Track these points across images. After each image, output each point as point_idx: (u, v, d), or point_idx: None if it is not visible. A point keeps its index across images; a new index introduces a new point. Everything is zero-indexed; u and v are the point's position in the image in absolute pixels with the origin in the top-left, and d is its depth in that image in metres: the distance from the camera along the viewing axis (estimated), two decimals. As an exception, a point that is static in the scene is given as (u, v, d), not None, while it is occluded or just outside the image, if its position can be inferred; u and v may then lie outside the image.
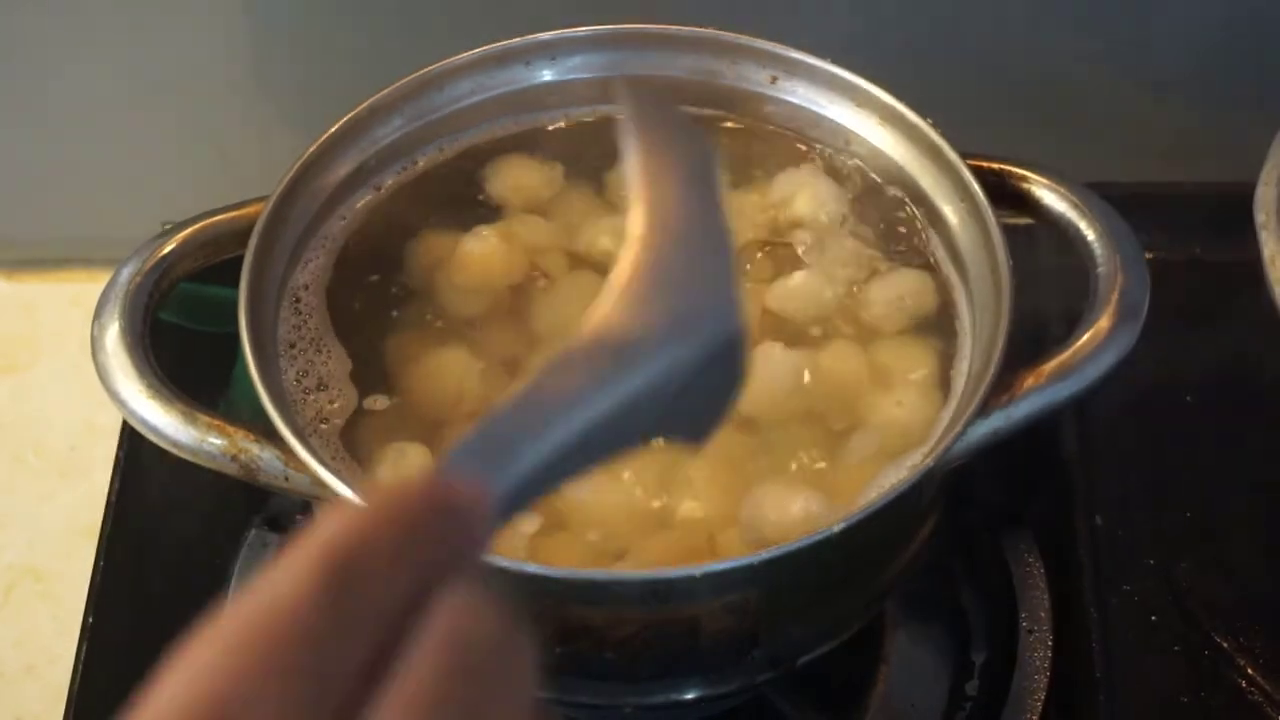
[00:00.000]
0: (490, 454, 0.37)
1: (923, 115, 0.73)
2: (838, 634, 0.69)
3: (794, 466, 0.67)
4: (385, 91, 0.75)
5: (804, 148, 0.77)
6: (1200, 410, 0.82)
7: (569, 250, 0.74)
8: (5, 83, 0.93)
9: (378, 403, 0.68)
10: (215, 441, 0.65)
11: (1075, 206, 0.71)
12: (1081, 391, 0.66)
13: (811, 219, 0.74)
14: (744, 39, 0.76)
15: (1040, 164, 0.73)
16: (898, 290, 0.71)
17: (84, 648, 0.75)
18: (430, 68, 0.76)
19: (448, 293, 0.72)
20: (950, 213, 0.72)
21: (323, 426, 0.67)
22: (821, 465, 0.67)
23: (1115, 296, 0.67)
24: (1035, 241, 0.80)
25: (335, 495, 0.61)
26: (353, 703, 0.29)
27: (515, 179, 0.76)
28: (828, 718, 0.75)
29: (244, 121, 0.94)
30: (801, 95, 0.76)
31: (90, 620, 0.76)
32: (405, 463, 0.65)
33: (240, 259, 0.68)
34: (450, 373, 0.69)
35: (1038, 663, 0.74)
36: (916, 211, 0.74)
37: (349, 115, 0.74)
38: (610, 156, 0.77)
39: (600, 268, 0.73)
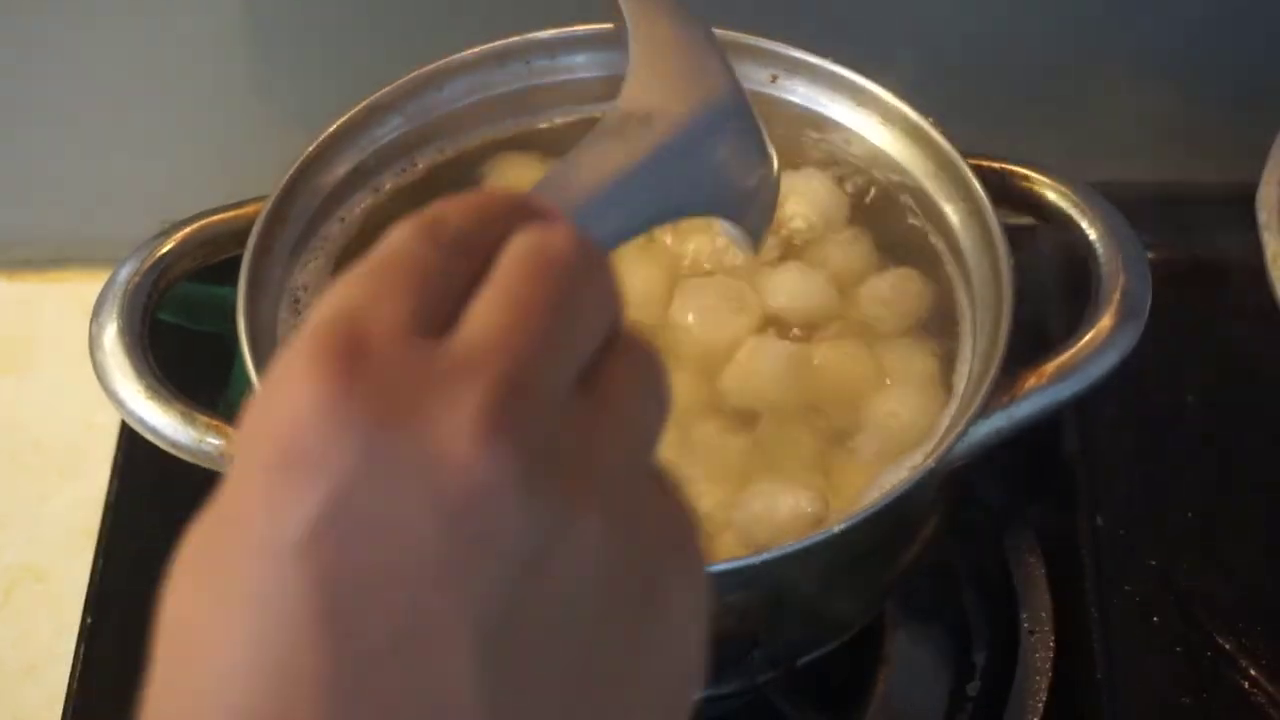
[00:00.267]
0: (554, 195, 0.42)
1: (924, 114, 0.73)
2: (838, 634, 0.69)
3: (794, 466, 0.66)
4: (384, 91, 0.75)
5: (804, 147, 0.76)
6: (1202, 410, 0.82)
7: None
8: (3, 82, 0.93)
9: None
10: (214, 442, 0.65)
11: (1077, 206, 0.71)
12: (1083, 391, 0.66)
13: (812, 218, 0.74)
14: (744, 37, 0.76)
15: (1042, 163, 0.73)
16: (899, 290, 0.71)
17: (82, 648, 0.75)
18: (429, 67, 0.75)
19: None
20: (951, 212, 0.72)
21: (322, 426, 0.67)
22: (822, 465, 0.67)
23: (1117, 296, 0.67)
24: (1037, 241, 0.80)
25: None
26: (457, 306, 0.34)
27: (515, 179, 0.76)
28: (828, 718, 0.75)
29: (243, 121, 0.94)
30: (802, 94, 0.76)
31: (89, 621, 0.75)
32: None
33: (239, 259, 0.68)
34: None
35: (1039, 663, 0.74)
36: (918, 211, 0.74)
37: (348, 115, 0.74)
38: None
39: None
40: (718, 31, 0.75)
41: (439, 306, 0.34)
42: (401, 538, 0.31)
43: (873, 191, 0.75)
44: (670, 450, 0.66)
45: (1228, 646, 0.75)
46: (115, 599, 0.76)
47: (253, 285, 0.67)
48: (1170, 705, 0.73)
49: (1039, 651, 0.75)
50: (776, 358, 0.69)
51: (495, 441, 0.32)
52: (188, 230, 0.71)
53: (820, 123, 0.76)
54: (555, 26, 0.77)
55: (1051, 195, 0.71)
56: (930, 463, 0.62)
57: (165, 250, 0.70)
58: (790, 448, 0.67)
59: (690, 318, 0.71)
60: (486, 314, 0.34)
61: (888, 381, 0.69)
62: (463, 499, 0.31)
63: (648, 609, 0.34)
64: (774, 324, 0.71)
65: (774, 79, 0.76)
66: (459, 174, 0.76)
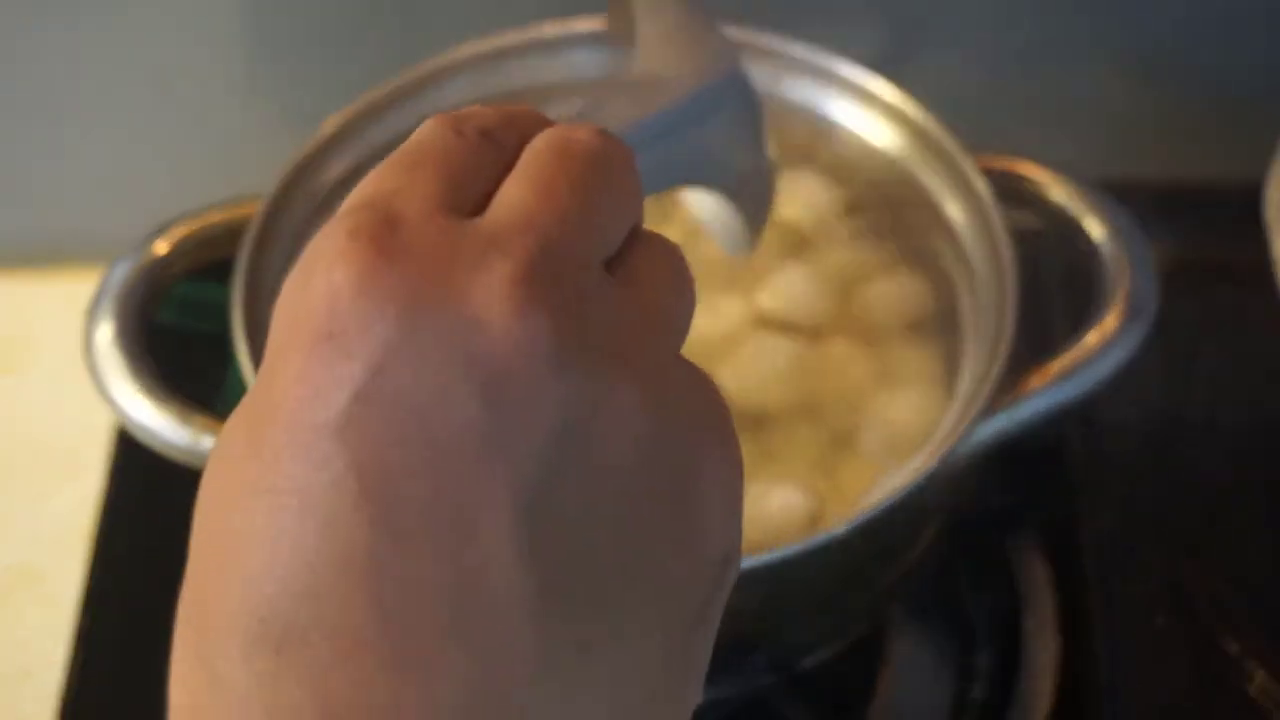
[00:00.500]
0: None
1: (926, 113, 0.73)
2: (841, 637, 0.69)
3: (797, 467, 0.66)
4: (382, 90, 0.75)
5: (805, 146, 0.76)
6: (1207, 411, 0.82)
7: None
8: (2, 82, 0.93)
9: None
10: (210, 442, 0.65)
11: (1082, 204, 0.71)
12: (1088, 391, 0.66)
13: (814, 217, 0.74)
14: (744, 37, 0.76)
15: (1046, 161, 0.72)
16: (901, 289, 0.71)
17: (78, 650, 0.75)
18: (428, 66, 0.75)
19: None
20: (955, 211, 0.72)
21: (319, 427, 0.67)
22: (825, 466, 0.67)
23: (1122, 295, 0.67)
24: (1041, 240, 0.80)
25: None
26: (486, 193, 0.35)
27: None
28: (830, 721, 0.75)
29: (240, 120, 0.94)
30: (802, 93, 0.76)
31: (84, 623, 0.75)
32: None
33: (235, 258, 0.68)
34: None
35: (1042, 666, 0.74)
36: (920, 210, 0.74)
37: (345, 114, 0.74)
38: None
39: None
40: (718, 29, 0.76)
41: (469, 190, 0.35)
42: (441, 411, 0.31)
43: (874, 190, 0.75)
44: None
45: (1231, 648, 0.75)
46: (111, 600, 0.76)
47: (249, 285, 0.67)
48: (1174, 707, 0.73)
49: (1042, 653, 0.74)
50: (778, 358, 0.69)
51: (530, 309, 0.32)
52: (184, 230, 0.71)
53: (821, 122, 0.76)
54: (555, 25, 0.77)
55: (1056, 194, 0.71)
56: (933, 463, 0.62)
57: (162, 250, 0.70)
58: (792, 448, 0.67)
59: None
60: (515, 195, 0.34)
61: (890, 382, 0.69)
62: (500, 366, 0.32)
63: (686, 484, 0.34)
64: (777, 326, 0.71)
65: (774, 78, 0.76)
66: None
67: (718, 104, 0.50)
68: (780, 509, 0.64)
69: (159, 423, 0.65)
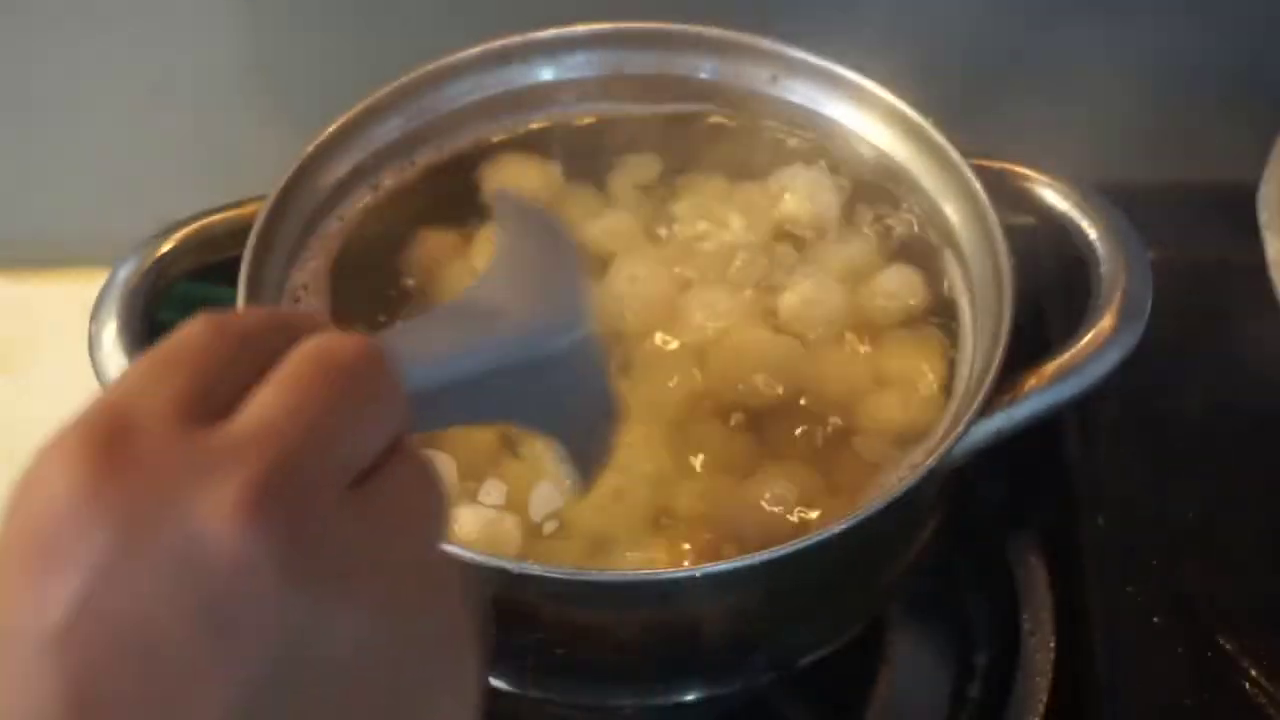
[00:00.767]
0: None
1: (924, 114, 0.73)
2: (839, 635, 0.69)
3: (794, 466, 0.66)
4: (384, 91, 0.75)
5: (804, 146, 0.77)
6: (1203, 410, 0.82)
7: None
8: (4, 82, 0.93)
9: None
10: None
11: (1077, 205, 0.71)
12: (1084, 391, 0.66)
13: (811, 218, 0.74)
14: (744, 37, 0.76)
15: (1042, 163, 0.72)
16: (898, 290, 0.71)
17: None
18: (429, 67, 0.76)
19: (447, 291, 0.72)
20: (952, 212, 0.72)
21: (321, 427, 0.67)
22: (822, 465, 0.67)
23: (1118, 296, 0.67)
24: (1037, 241, 0.80)
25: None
26: (238, 397, 0.34)
27: (514, 179, 0.76)
28: (829, 720, 0.75)
29: (242, 121, 0.94)
30: (802, 94, 0.76)
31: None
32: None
33: (238, 258, 0.68)
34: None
35: (1040, 664, 0.74)
36: (917, 210, 0.74)
37: (347, 115, 0.74)
38: (610, 156, 0.77)
39: (599, 267, 0.73)
40: (717, 31, 0.76)
41: (216, 393, 0.34)
42: (154, 626, 0.31)
43: (872, 192, 0.75)
44: (669, 450, 0.67)
45: (1229, 647, 0.75)
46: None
47: (252, 285, 0.67)
48: (1171, 706, 0.73)
49: (1040, 652, 0.74)
50: (776, 356, 0.69)
51: (255, 527, 0.32)
52: (187, 230, 0.71)
53: (820, 122, 0.76)
54: (555, 26, 0.77)
55: (1052, 195, 0.72)
56: (931, 463, 0.62)
57: (165, 250, 0.70)
58: (790, 447, 0.67)
59: (697, 315, 0.71)
60: (264, 403, 0.34)
61: (887, 381, 0.69)
62: (220, 585, 0.32)
63: (414, 695, 0.35)
64: (775, 324, 0.71)
65: (774, 78, 0.77)
66: (458, 174, 0.76)
67: (554, 350, 0.48)
68: (778, 508, 0.64)
69: (162, 422, 0.65)
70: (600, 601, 0.62)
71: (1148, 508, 0.78)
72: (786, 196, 0.75)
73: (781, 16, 0.79)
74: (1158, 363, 0.73)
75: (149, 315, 0.68)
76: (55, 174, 0.97)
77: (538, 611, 0.62)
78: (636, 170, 0.76)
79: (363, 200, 0.75)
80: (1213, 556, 0.77)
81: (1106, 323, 0.67)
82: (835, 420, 0.68)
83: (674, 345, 0.70)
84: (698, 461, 0.66)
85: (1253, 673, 0.74)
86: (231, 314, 0.36)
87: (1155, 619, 0.75)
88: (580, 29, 0.77)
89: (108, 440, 0.33)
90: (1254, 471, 0.80)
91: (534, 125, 0.78)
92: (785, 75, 0.76)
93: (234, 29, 0.91)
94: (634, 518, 0.65)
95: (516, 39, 0.77)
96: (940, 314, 0.71)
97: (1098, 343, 0.66)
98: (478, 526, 0.63)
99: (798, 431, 0.68)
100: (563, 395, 0.49)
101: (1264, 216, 0.72)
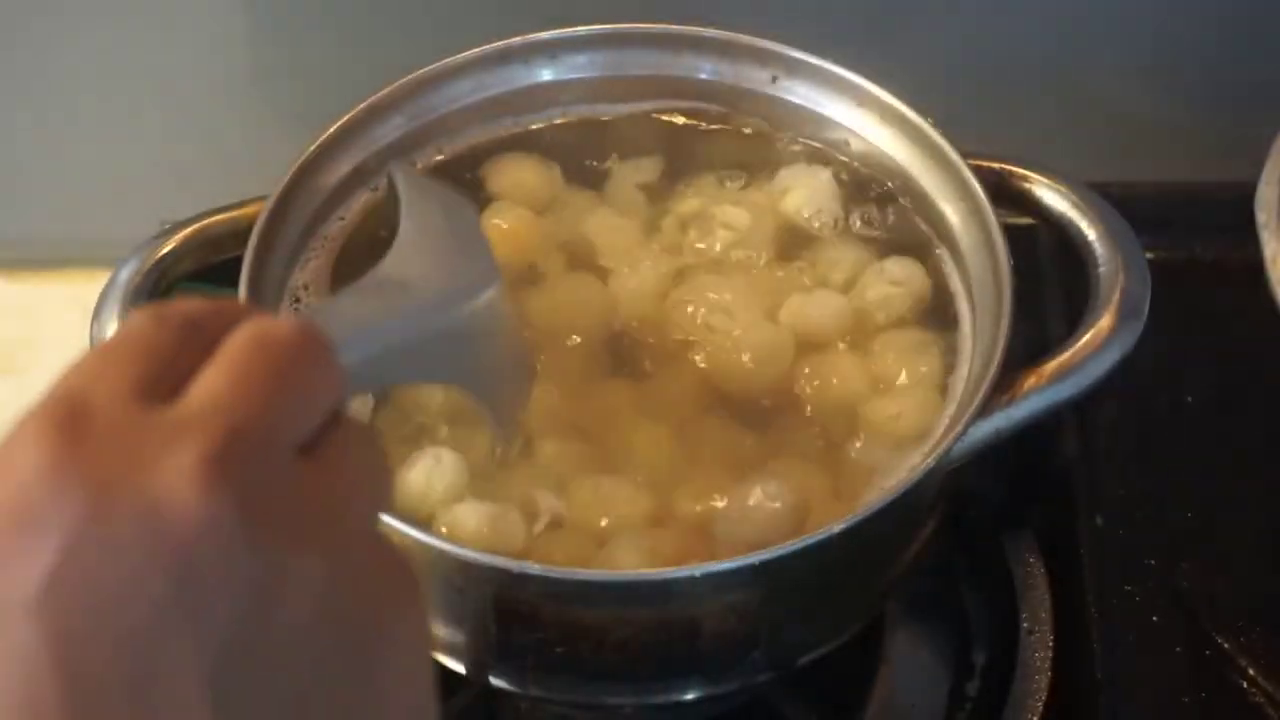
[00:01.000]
0: None
1: (923, 115, 0.73)
2: (838, 634, 0.69)
3: (794, 466, 0.66)
4: (384, 91, 0.74)
5: (804, 147, 0.77)
6: (1201, 410, 0.82)
7: (568, 250, 0.74)
8: (4, 83, 0.93)
9: (374, 401, 0.68)
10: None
11: (1076, 206, 0.71)
12: (1083, 392, 0.66)
13: (811, 218, 0.74)
14: (744, 38, 0.76)
15: (1041, 163, 0.73)
16: (897, 290, 0.71)
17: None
18: (429, 67, 0.75)
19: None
20: (951, 212, 0.72)
21: (322, 427, 0.67)
22: (822, 465, 0.67)
23: (1116, 296, 0.67)
24: (1036, 241, 0.80)
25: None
26: (184, 379, 0.37)
27: (514, 179, 0.76)
28: (828, 719, 0.75)
29: (243, 121, 0.94)
30: (802, 94, 0.76)
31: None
32: (403, 462, 0.65)
33: (239, 259, 0.68)
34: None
35: (1038, 663, 0.74)
36: (917, 211, 0.74)
37: (348, 115, 0.74)
38: (610, 156, 0.77)
39: (599, 267, 0.73)
40: (717, 31, 0.77)
41: (165, 377, 0.37)
42: (128, 587, 0.34)
43: (872, 192, 0.75)
44: (669, 449, 0.67)
45: (1227, 646, 0.75)
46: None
47: (253, 285, 0.67)
48: (1169, 705, 0.73)
49: (1038, 651, 0.75)
50: (775, 356, 0.69)
51: (215, 487, 0.34)
52: (188, 231, 0.71)
53: (820, 123, 0.76)
54: (555, 27, 0.77)
55: (1050, 195, 0.71)
56: (930, 462, 0.62)
57: (166, 251, 0.70)
58: (790, 447, 0.67)
59: (700, 315, 0.71)
60: (210, 381, 0.37)
61: (886, 381, 0.69)
62: (186, 544, 0.34)
63: (370, 645, 0.37)
64: (773, 323, 0.71)
65: (774, 79, 0.77)
66: (459, 174, 0.76)
67: (465, 310, 0.52)
68: (778, 507, 0.64)
69: (163, 422, 0.65)
70: (600, 601, 0.62)
71: (1146, 507, 0.78)
72: (786, 197, 0.75)
73: (782, 17, 0.79)
74: (1157, 363, 0.73)
75: (150, 316, 0.68)
76: (57, 175, 0.97)
77: (538, 611, 0.62)
78: (637, 170, 0.76)
79: (363, 200, 0.75)
80: (1211, 556, 0.77)
81: (1105, 323, 0.67)
82: (835, 420, 0.68)
83: (673, 345, 0.70)
84: (698, 461, 0.67)
85: (1251, 672, 0.74)
86: (169, 305, 0.39)
87: (1154, 618, 0.75)
88: (580, 29, 0.77)
89: (70, 419, 0.35)
90: (1253, 471, 0.80)
91: (534, 125, 0.78)
92: (785, 75, 0.76)
93: (235, 29, 0.91)
94: (634, 517, 0.65)
95: (517, 40, 0.77)
96: (939, 314, 0.71)
97: (1096, 343, 0.66)
98: (479, 524, 0.63)
99: (798, 431, 0.68)
100: (479, 353, 0.53)
101: (1262, 217, 0.72)
